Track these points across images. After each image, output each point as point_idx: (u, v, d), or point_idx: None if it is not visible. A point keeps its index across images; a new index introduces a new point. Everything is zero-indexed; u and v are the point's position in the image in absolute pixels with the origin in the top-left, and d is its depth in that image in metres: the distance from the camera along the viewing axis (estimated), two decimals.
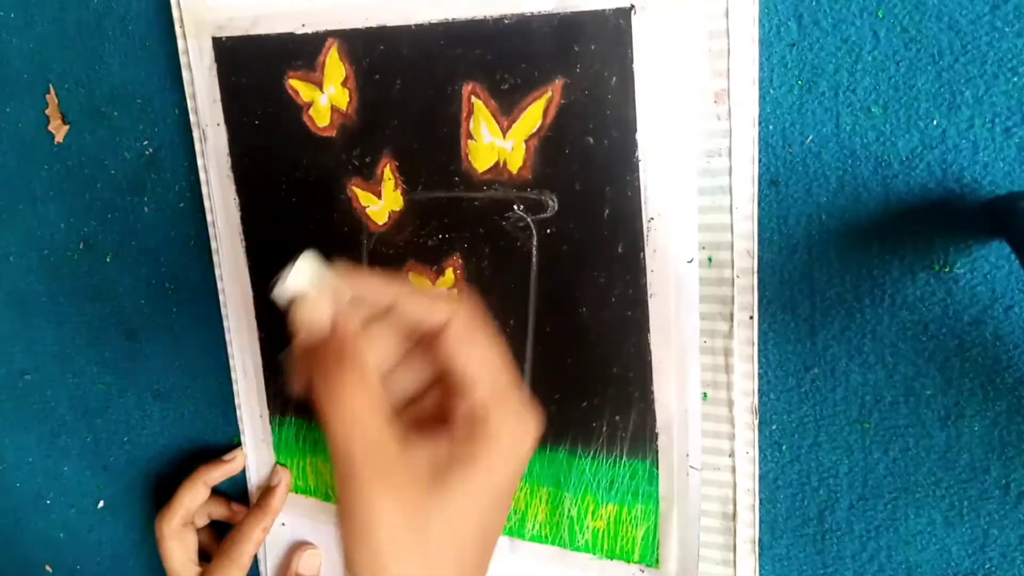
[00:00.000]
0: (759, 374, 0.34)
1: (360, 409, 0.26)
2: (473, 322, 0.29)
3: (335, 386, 0.27)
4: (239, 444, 0.47)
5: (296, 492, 0.47)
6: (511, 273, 0.37)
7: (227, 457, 0.47)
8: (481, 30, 0.34)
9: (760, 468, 0.35)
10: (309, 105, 0.39)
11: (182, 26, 0.40)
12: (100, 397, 0.52)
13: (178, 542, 0.46)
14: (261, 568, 0.49)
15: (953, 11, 0.28)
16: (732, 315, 0.34)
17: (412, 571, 0.26)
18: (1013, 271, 0.30)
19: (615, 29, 0.32)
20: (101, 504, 0.55)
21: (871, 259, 0.32)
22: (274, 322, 0.44)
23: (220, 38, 0.40)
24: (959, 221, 0.30)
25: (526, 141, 0.35)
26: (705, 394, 0.35)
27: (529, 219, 0.36)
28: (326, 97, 0.38)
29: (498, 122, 0.35)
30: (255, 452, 0.47)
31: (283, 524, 0.47)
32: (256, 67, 0.39)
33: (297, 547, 0.47)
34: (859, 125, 0.30)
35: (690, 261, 0.34)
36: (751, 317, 0.33)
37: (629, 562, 0.38)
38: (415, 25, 0.36)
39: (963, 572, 0.33)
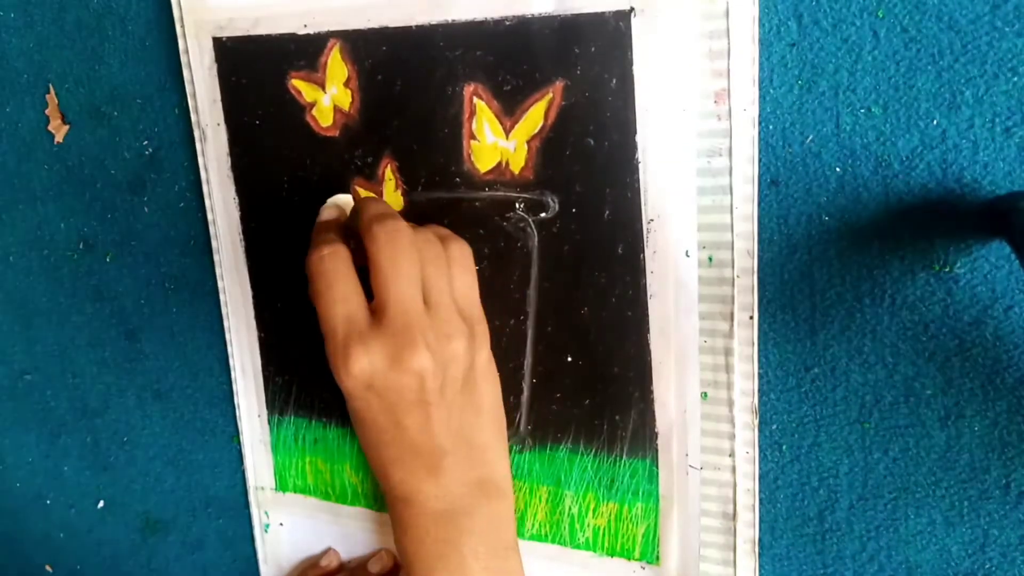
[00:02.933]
0: (759, 374, 0.34)
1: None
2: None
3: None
4: (238, 444, 0.48)
5: (295, 491, 0.47)
6: (512, 273, 0.37)
7: (323, 562, 0.47)
8: (482, 31, 0.34)
9: (760, 468, 0.35)
10: (312, 105, 0.39)
11: (182, 26, 0.40)
12: (100, 397, 0.52)
13: None
14: (261, 569, 0.49)
15: (953, 11, 0.28)
16: (732, 315, 0.34)
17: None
18: (1013, 271, 0.30)
19: (615, 31, 0.32)
20: (101, 504, 0.55)
21: (871, 259, 0.32)
22: (274, 322, 0.44)
23: (221, 38, 0.40)
24: (959, 221, 0.30)
25: (528, 142, 0.35)
26: (705, 394, 0.35)
27: (530, 219, 0.36)
28: (329, 97, 0.39)
29: (501, 123, 0.35)
30: (252, 452, 0.47)
31: (281, 524, 0.48)
32: (257, 67, 0.39)
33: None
34: (859, 125, 0.31)
35: (688, 258, 0.34)
36: (751, 317, 0.33)
37: (630, 559, 0.38)
38: (416, 26, 0.36)
39: (963, 572, 0.33)
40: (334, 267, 0.34)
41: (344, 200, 0.39)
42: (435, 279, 0.34)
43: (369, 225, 0.33)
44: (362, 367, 0.33)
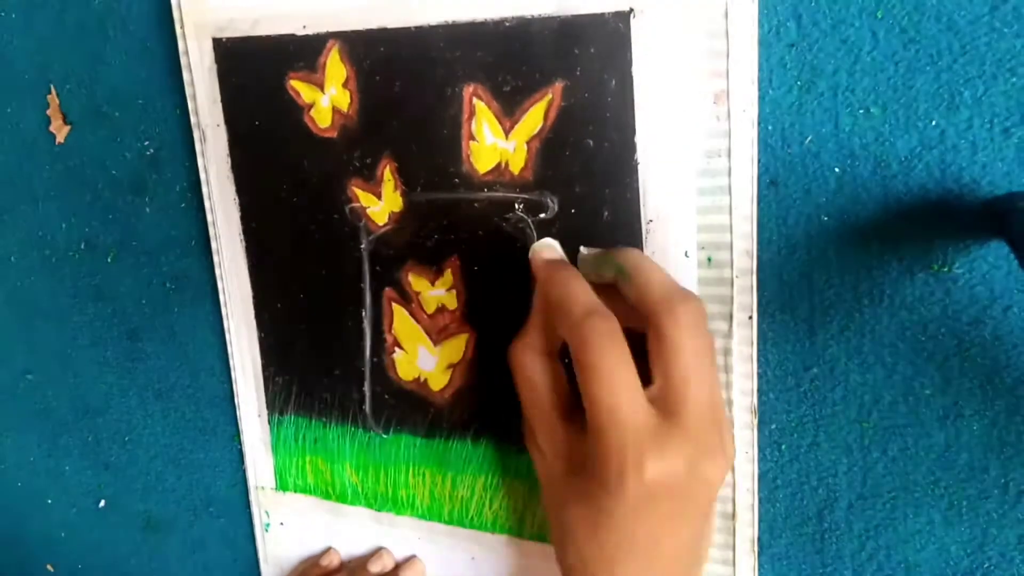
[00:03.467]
0: (758, 374, 0.34)
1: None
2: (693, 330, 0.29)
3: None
4: (238, 444, 0.48)
5: (295, 491, 0.47)
6: (511, 273, 0.37)
7: (323, 562, 0.46)
8: (481, 32, 0.34)
9: (759, 468, 0.35)
10: (310, 106, 0.39)
11: (183, 27, 0.41)
12: (101, 397, 0.52)
13: None
14: (262, 568, 0.49)
15: (952, 11, 0.28)
16: (731, 315, 0.34)
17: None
18: (1012, 271, 0.30)
19: (614, 32, 0.32)
20: (102, 504, 0.55)
21: (870, 259, 0.32)
22: (274, 322, 0.44)
23: (221, 39, 0.40)
24: (958, 221, 0.30)
25: (528, 142, 0.35)
26: None
27: (529, 220, 0.36)
28: (327, 98, 0.39)
29: (500, 123, 0.35)
30: (253, 451, 0.47)
31: (281, 523, 0.48)
32: (256, 68, 0.40)
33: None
34: (858, 125, 0.31)
35: (688, 259, 0.34)
36: (750, 317, 0.33)
37: None
38: (415, 27, 0.36)
39: (962, 571, 0.33)
40: (613, 345, 0.29)
41: (551, 243, 0.35)
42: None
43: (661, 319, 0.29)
44: (659, 470, 0.29)
